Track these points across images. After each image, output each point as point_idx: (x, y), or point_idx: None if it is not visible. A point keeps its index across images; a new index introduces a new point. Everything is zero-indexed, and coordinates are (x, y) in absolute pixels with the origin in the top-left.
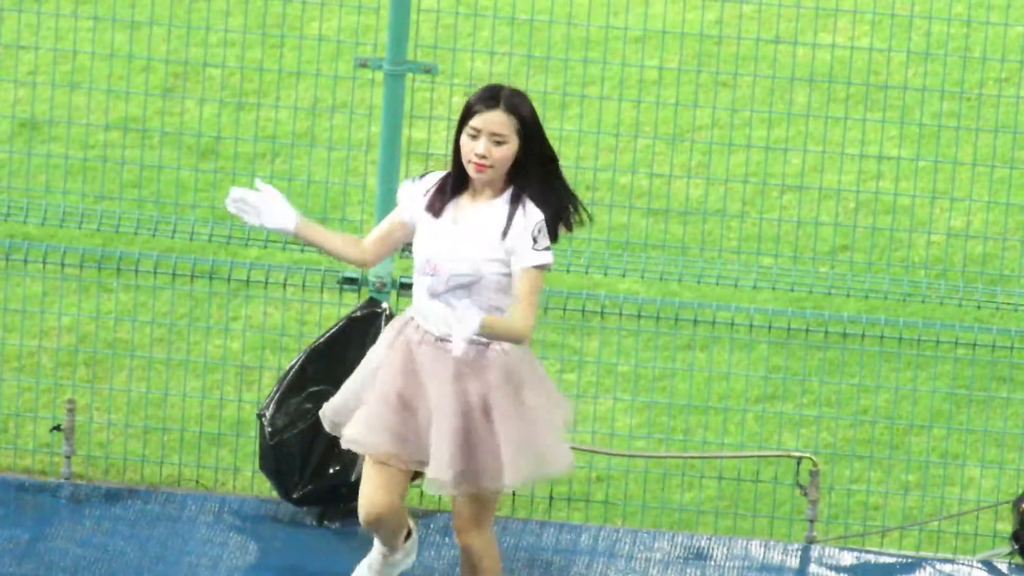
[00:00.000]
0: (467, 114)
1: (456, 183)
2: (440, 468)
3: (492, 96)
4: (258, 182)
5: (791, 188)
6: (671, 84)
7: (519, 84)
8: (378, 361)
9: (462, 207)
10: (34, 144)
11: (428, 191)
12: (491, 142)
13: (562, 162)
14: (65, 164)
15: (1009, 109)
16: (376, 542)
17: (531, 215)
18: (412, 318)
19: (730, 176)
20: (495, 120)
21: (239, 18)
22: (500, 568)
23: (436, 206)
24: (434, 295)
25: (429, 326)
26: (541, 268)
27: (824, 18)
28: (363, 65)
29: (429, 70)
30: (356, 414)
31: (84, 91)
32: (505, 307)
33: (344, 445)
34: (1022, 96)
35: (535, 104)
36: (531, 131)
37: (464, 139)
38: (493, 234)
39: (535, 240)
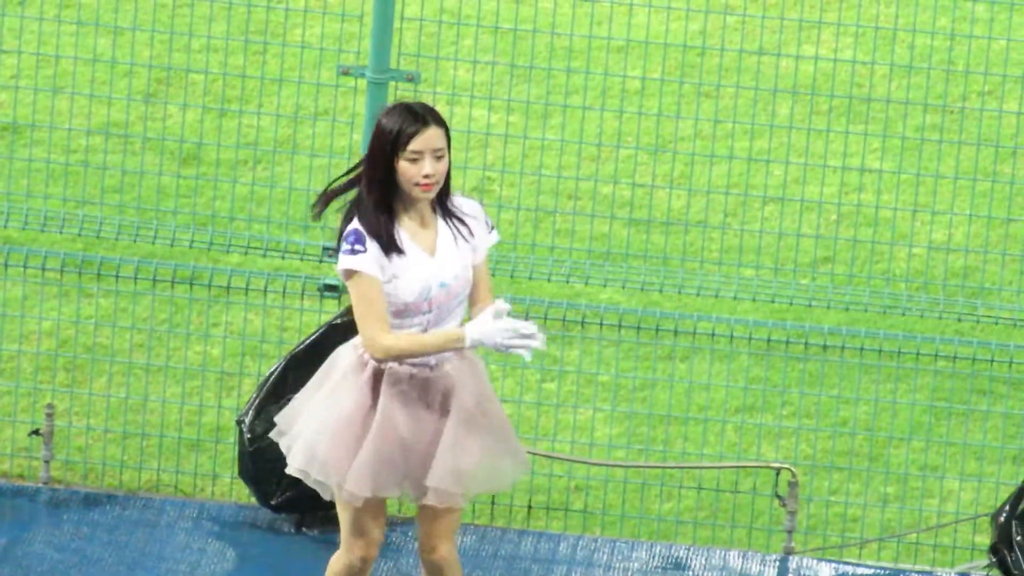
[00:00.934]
0: (399, 141)
1: (387, 213)
2: (446, 478)
3: (416, 115)
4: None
5: (773, 199)
6: (654, 94)
7: (502, 93)
8: (353, 413)
9: (415, 234)
10: (16, 148)
11: (377, 247)
12: (434, 159)
13: (544, 171)
14: (47, 168)
15: (991, 122)
16: None
17: (469, 205)
18: (388, 364)
19: (712, 187)
20: (433, 136)
21: (222, 24)
22: None
23: (394, 247)
24: (436, 326)
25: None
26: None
27: (807, 30)
28: (346, 73)
29: (412, 78)
30: (358, 464)
31: (66, 95)
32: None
33: (347, 498)
34: (1004, 110)
35: (519, 113)
36: (450, 137)
37: (404, 165)
38: (460, 240)
39: (488, 224)
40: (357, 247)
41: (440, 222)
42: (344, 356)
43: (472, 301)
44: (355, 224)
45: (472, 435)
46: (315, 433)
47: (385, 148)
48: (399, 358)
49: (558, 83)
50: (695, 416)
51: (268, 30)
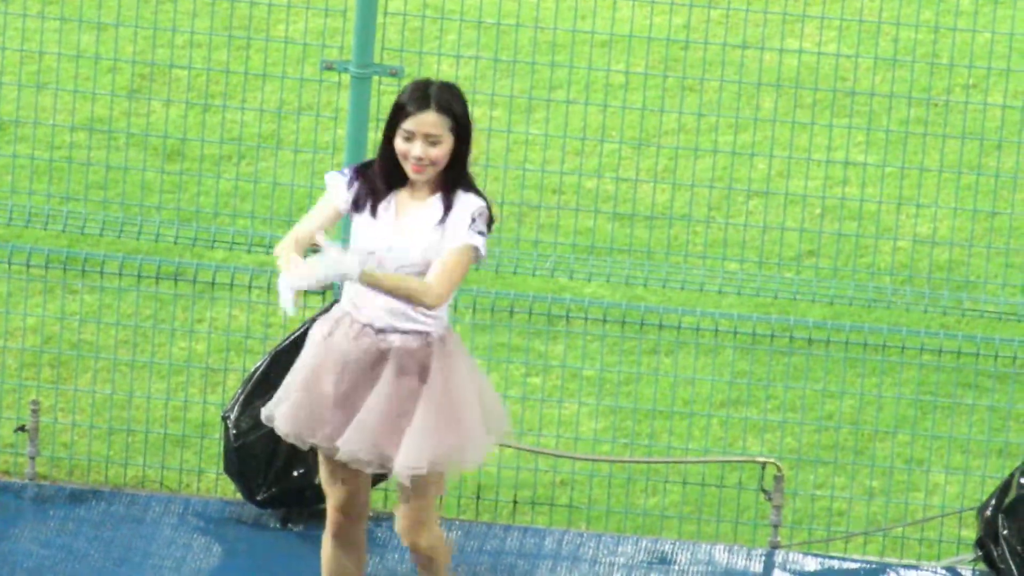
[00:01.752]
0: (398, 115)
1: (390, 179)
2: (354, 438)
3: (423, 96)
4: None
5: (757, 193)
6: (637, 88)
7: (485, 87)
8: (307, 357)
9: (403, 202)
10: (0, 144)
11: (354, 186)
12: (426, 143)
13: (528, 166)
14: (31, 165)
15: (976, 115)
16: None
17: (470, 201)
18: (347, 314)
19: (696, 181)
20: (428, 121)
21: (205, 20)
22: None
23: (371, 204)
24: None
25: (365, 318)
26: (473, 250)
27: (791, 23)
28: (329, 68)
29: (395, 73)
30: (288, 402)
31: (50, 92)
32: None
33: (278, 431)
34: (989, 103)
35: (502, 108)
36: (464, 127)
37: (398, 140)
38: (435, 223)
39: (473, 220)
40: (346, 171)
41: (435, 204)
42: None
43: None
44: (363, 164)
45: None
46: (284, 385)
47: (390, 118)
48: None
49: (542, 77)
50: (680, 410)
51: (251, 25)
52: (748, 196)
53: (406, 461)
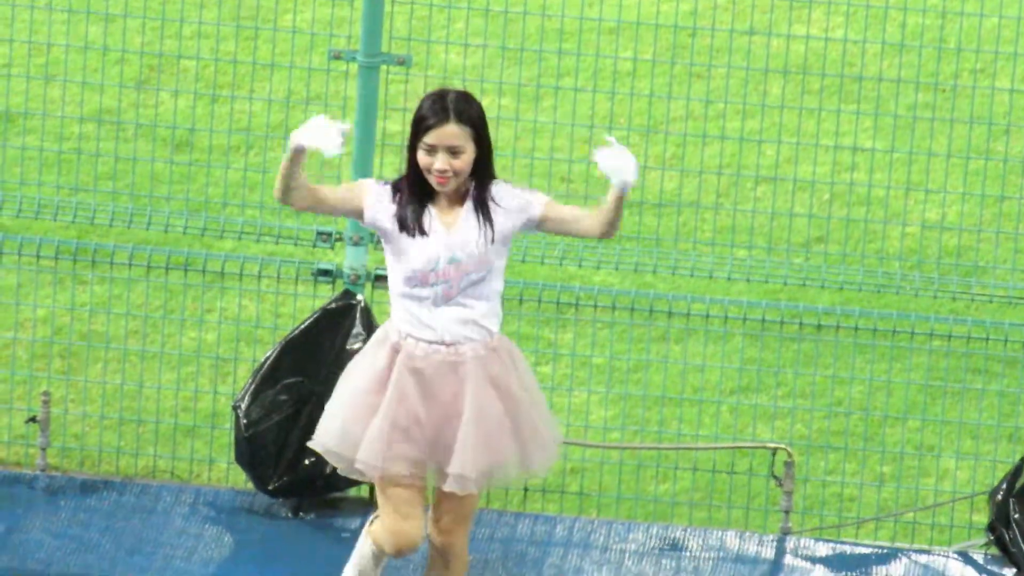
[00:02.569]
0: (419, 129)
1: (421, 192)
2: (466, 466)
3: (442, 108)
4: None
5: (765, 180)
6: (645, 75)
7: (493, 76)
8: (371, 384)
9: (442, 210)
10: (8, 136)
11: (392, 202)
12: (448, 155)
13: (536, 154)
14: (40, 156)
15: (984, 100)
16: (365, 542)
17: (502, 189)
18: (407, 336)
19: (704, 168)
20: (449, 134)
21: (213, 10)
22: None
23: (414, 223)
24: (447, 300)
25: (431, 336)
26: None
27: (798, 9)
28: (337, 57)
29: (403, 62)
30: (368, 442)
31: (59, 83)
32: (502, 289)
33: (358, 467)
34: (997, 87)
35: (510, 96)
36: (483, 134)
37: (421, 154)
38: (485, 229)
39: (530, 191)
40: (387, 182)
41: (468, 205)
42: (375, 335)
43: (584, 227)
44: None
45: (492, 424)
46: (336, 407)
47: (411, 133)
48: (281, 193)
49: (549, 65)
50: (690, 397)
51: (259, 15)
52: (756, 182)
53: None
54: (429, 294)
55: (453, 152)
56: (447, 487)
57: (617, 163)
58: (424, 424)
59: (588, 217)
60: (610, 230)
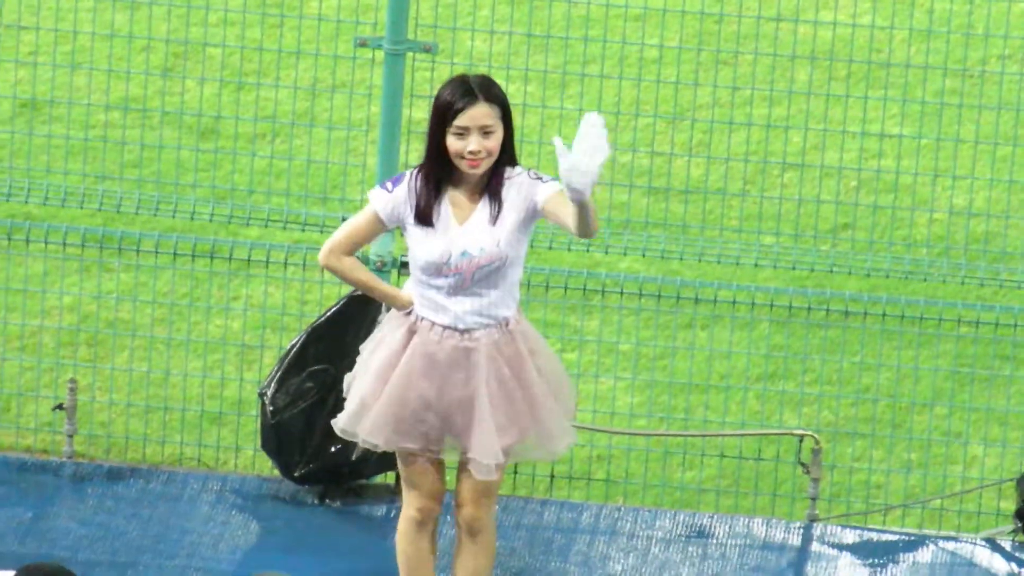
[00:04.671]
0: (447, 115)
1: (438, 181)
2: (487, 453)
3: (468, 91)
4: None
5: (792, 166)
6: (671, 63)
7: (519, 63)
8: (387, 365)
9: (457, 203)
10: (35, 124)
11: (408, 199)
12: (481, 136)
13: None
14: (66, 144)
15: (1012, 86)
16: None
17: (518, 175)
18: (423, 318)
19: (731, 155)
20: (480, 113)
21: None
22: (496, 547)
23: (429, 213)
24: (460, 291)
25: (447, 320)
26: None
27: None
28: (363, 44)
29: (429, 49)
30: (372, 414)
31: (85, 71)
32: (520, 277)
33: (362, 444)
34: None
35: (536, 83)
36: (509, 113)
37: (451, 140)
38: (497, 221)
39: (540, 179)
40: (388, 185)
41: (484, 198)
42: (391, 313)
43: (570, 227)
44: (410, 170)
45: (506, 408)
46: (355, 388)
47: (436, 121)
48: (336, 273)
49: (575, 52)
50: (716, 384)
51: (284, 3)
52: (783, 169)
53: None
54: (443, 284)
55: (485, 132)
56: (475, 474)
57: (573, 173)
58: (435, 406)
59: (571, 217)
60: (586, 231)
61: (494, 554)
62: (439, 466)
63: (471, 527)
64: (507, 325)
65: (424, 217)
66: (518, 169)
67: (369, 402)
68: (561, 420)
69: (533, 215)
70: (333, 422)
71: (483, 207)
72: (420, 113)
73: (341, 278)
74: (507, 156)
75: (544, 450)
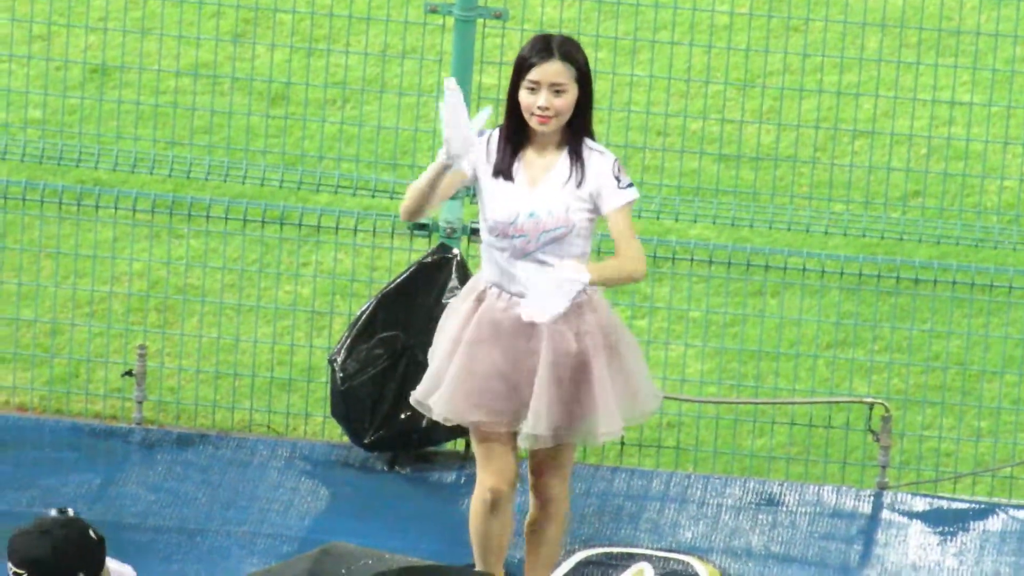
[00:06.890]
0: (522, 68)
1: (515, 139)
2: (538, 424)
3: (546, 47)
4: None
5: (862, 134)
6: (742, 29)
7: (590, 29)
8: (458, 335)
9: (530, 164)
10: (105, 90)
11: (490, 151)
12: (551, 93)
13: (632, 107)
14: (136, 110)
15: None
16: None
17: (603, 156)
18: (493, 284)
19: (801, 122)
20: (553, 70)
21: None
22: (568, 517)
23: (505, 169)
24: (524, 255)
25: (516, 288)
26: (631, 204)
27: None
28: (433, 11)
29: (499, 15)
30: (443, 387)
31: (155, 37)
32: (588, 252)
33: (435, 417)
34: None
35: (607, 50)
36: (586, 77)
37: (523, 93)
38: (571, 182)
39: (618, 180)
40: (482, 132)
41: (563, 158)
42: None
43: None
44: (493, 128)
45: (568, 382)
46: (432, 359)
47: (514, 75)
48: (408, 202)
49: (646, 19)
50: (786, 352)
51: None
52: (854, 136)
53: (607, 428)
54: (507, 246)
55: (556, 90)
56: (520, 442)
57: (533, 306)
58: (505, 374)
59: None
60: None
61: (565, 523)
62: (513, 445)
63: (543, 496)
64: (579, 299)
65: (499, 172)
66: (603, 148)
67: (440, 374)
68: (612, 416)
69: (597, 209)
70: (412, 394)
71: (558, 172)
72: (490, 79)
73: (415, 202)
74: (581, 121)
75: (581, 437)
